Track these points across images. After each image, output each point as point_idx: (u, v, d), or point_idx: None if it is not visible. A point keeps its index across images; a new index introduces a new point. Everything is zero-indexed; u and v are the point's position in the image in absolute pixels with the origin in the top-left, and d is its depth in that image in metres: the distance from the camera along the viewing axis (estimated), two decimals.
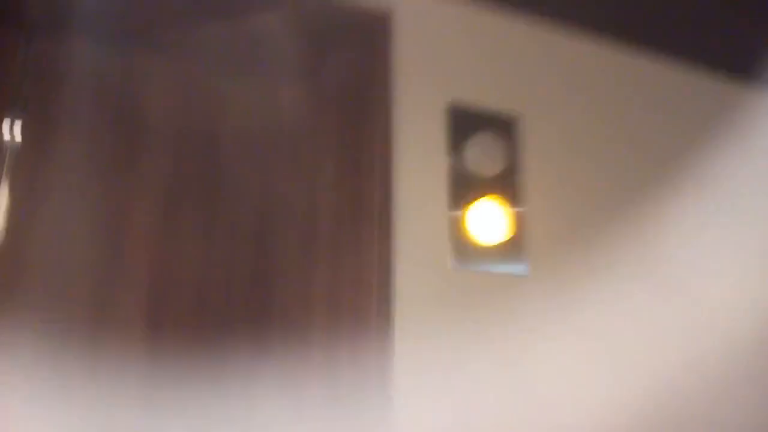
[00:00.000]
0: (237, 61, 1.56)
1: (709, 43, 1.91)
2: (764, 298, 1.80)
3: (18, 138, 1.42)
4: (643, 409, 1.50)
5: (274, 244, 1.55)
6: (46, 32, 1.47)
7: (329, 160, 1.56)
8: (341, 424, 1.28)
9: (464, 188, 1.60)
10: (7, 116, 1.42)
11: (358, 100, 1.59)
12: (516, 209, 1.62)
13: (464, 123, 1.64)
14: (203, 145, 1.52)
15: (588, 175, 1.77)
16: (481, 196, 1.59)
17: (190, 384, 1.27)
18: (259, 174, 1.52)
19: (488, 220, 1.57)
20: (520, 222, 1.62)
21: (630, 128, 1.88)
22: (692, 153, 1.93)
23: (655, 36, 1.90)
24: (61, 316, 1.36)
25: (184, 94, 1.55)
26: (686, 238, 1.85)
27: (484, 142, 1.59)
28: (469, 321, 1.51)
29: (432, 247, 1.52)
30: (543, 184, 1.70)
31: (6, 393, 1.16)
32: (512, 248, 1.58)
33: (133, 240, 1.44)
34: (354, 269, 1.46)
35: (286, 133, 1.53)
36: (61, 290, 1.37)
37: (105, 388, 1.24)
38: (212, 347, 1.36)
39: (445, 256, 1.53)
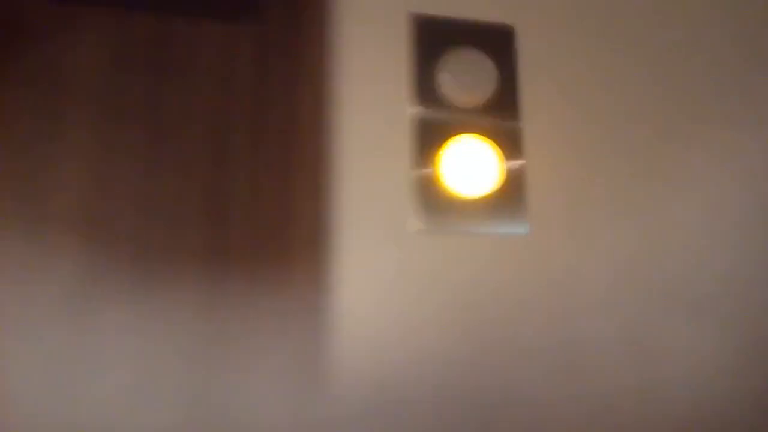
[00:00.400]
0: None
1: None
2: None
3: None
4: None
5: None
6: None
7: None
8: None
9: (435, 126, 1.25)
10: None
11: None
12: (508, 158, 1.25)
13: (435, 37, 1.29)
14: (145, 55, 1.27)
15: (597, 101, 1.34)
16: (459, 134, 1.24)
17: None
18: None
19: (470, 166, 1.21)
20: (515, 172, 1.25)
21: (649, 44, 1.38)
22: (715, 71, 1.41)
23: None
24: None
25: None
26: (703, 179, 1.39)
27: (464, 62, 1.24)
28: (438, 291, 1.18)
29: (389, 203, 1.19)
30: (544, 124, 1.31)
31: None
32: (505, 203, 1.23)
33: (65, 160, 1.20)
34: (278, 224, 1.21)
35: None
36: None
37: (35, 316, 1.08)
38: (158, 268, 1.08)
39: (406, 213, 1.19)
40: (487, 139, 1.25)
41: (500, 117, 1.29)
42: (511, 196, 1.25)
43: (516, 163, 1.26)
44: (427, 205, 1.20)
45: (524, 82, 1.33)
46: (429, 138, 1.23)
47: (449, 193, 1.22)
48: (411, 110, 1.24)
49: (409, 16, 1.29)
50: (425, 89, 1.27)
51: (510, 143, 1.27)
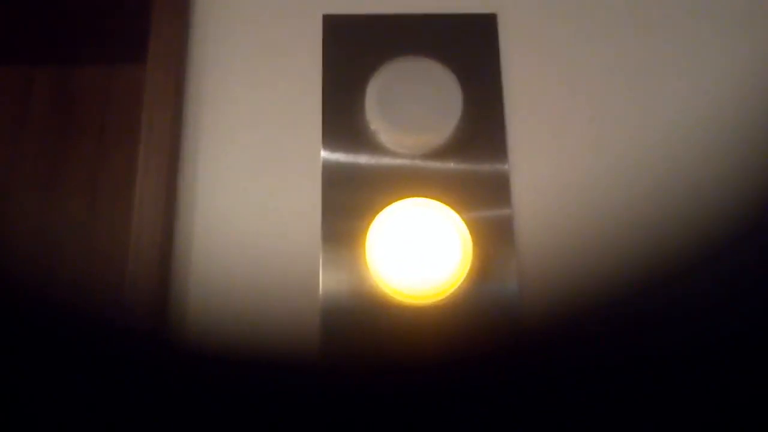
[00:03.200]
0: None
1: None
2: None
3: None
4: None
5: None
6: None
7: None
8: None
9: (359, 188, 0.73)
10: None
11: None
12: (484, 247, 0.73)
13: (362, 45, 0.78)
14: None
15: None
16: (401, 197, 0.72)
17: None
18: None
19: (416, 250, 0.69)
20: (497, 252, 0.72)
21: None
22: None
23: None
24: None
25: None
26: None
27: (408, 79, 0.74)
28: None
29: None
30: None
31: None
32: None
33: None
34: None
35: None
36: None
37: None
38: None
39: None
40: (447, 192, 0.74)
41: (471, 159, 0.77)
42: (487, 284, 0.73)
43: (501, 212, 0.74)
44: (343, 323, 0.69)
45: (512, 103, 0.80)
46: (351, 192, 0.74)
47: (382, 298, 0.71)
48: (322, 156, 0.75)
49: (322, 19, 0.81)
50: (344, 129, 0.77)
51: (489, 194, 0.76)
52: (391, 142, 0.74)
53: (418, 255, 0.69)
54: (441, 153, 0.75)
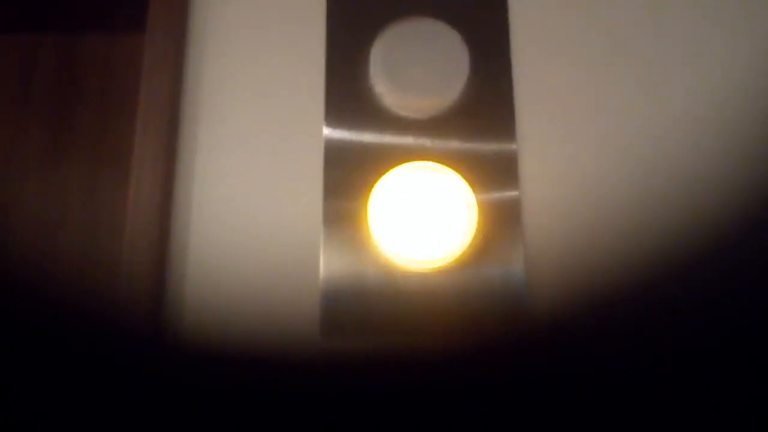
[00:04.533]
0: None
1: None
2: None
3: None
4: None
5: None
6: None
7: None
8: None
9: (363, 151, 0.70)
10: None
11: None
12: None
13: (363, 4, 0.75)
14: None
15: None
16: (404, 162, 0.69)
17: None
18: None
19: (421, 217, 0.67)
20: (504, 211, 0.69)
21: None
22: None
23: None
24: None
25: None
26: None
27: (412, 41, 0.71)
28: None
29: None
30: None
31: None
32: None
33: None
34: None
35: None
36: None
37: None
38: None
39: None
40: (453, 169, 0.71)
41: (477, 136, 0.73)
42: (491, 266, 0.70)
43: (508, 194, 0.71)
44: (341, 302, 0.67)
45: (520, 74, 0.76)
46: (353, 170, 0.71)
47: (384, 263, 0.69)
48: (324, 130, 0.72)
49: None
50: (347, 96, 0.74)
51: (496, 174, 0.73)
52: (395, 105, 0.71)
53: (422, 219, 0.67)
54: (447, 123, 0.71)
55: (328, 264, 0.68)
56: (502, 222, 0.69)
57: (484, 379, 0.66)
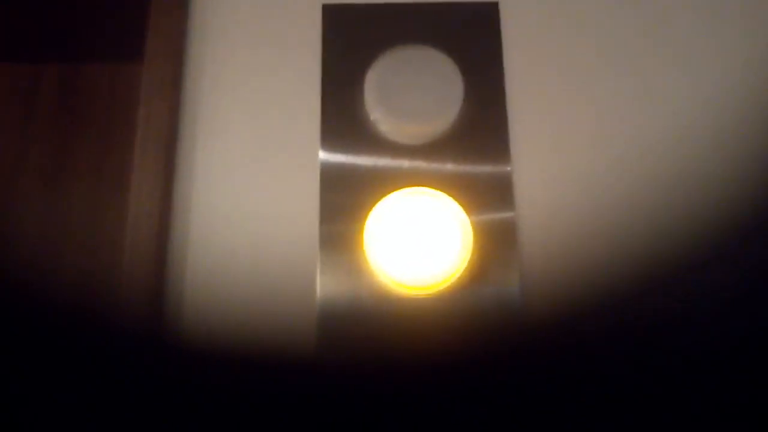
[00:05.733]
0: None
1: None
2: None
3: None
4: None
5: None
6: None
7: None
8: None
9: (359, 176, 0.70)
10: None
11: None
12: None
13: (362, 35, 0.76)
14: None
15: None
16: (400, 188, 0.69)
17: None
18: None
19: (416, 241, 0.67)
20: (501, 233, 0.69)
21: None
22: None
23: None
24: None
25: None
26: None
27: (406, 68, 0.72)
28: None
29: None
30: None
31: None
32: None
33: None
34: None
35: None
36: None
37: None
38: None
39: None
40: (449, 193, 0.71)
41: (472, 159, 0.74)
42: (487, 288, 0.70)
43: (503, 216, 0.72)
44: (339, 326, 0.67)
45: (514, 97, 0.78)
46: (349, 193, 0.72)
47: (380, 287, 0.69)
48: (320, 155, 0.73)
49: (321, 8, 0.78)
50: (343, 122, 0.75)
51: (491, 196, 0.73)
52: (391, 131, 0.72)
53: (418, 243, 0.67)
54: (442, 148, 0.72)
55: (325, 287, 0.68)
56: (497, 244, 0.69)
57: (480, 397, 0.66)
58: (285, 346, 0.68)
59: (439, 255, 0.67)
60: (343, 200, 0.70)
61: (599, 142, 0.74)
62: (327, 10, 0.77)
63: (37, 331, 0.79)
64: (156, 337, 0.67)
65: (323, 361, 0.66)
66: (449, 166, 0.71)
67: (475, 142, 0.72)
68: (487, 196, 0.70)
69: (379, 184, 0.71)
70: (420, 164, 0.71)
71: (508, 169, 0.72)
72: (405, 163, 0.72)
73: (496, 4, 0.77)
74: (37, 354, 0.76)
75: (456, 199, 0.69)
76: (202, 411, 0.65)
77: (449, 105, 0.71)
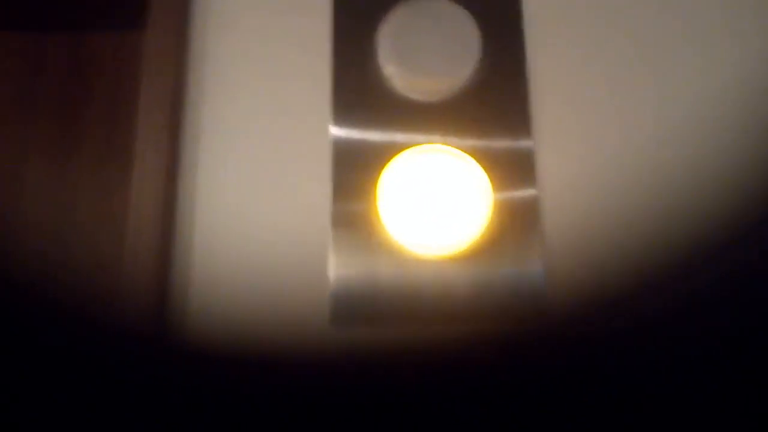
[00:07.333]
0: None
1: None
2: None
3: None
4: None
5: None
6: None
7: None
8: None
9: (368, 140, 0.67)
10: None
11: None
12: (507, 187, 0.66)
13: None
14: None
15: None
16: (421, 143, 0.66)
17: None
18: None
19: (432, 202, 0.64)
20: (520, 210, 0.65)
21: None
22: None
23: None
24: None
25: None
26: None
27: (422, 21, 0.68)
28: None
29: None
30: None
31: None
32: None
33: None
34: None
35: None
36: None
37: None
38: None
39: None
40: (466, 155, 0.67)
41: (491, 133, 0.70)
42: (507, 255, 0.67)
43: (522, 194, 0.68)
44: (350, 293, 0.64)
45: (535, 57, 0.73)
46: (359, 159, 0.68)
47: (395, 249, 0.66)
48: (329, 128, 0.69)
49: None
50: (355, 82, 0.70)
51: (511, 164, 0.69)
52: (405, 87, 0.68)
53: (434, 203, 0.64)
54: (459, 113, 0.68)
55: (338, 267, 0.65)
56: (519, 222, 0.66)
57: (497, 374, 0.63)
58: (297, 330, 0.65)
59: (456, 216, 0.64)
60: (356, 177, 0.67)
61: (625, 120, 0.70)
62: None
63: (36, 326, 0.78)
64: (162, 321, 0.65)
65: (336, 347, 0.63)
66: (467, 142, 0.67)
67: (495, 112, 0.68)
68: (508, 172, 0.67)
69: (392, 157, 0.67)
70: (436, 138, 0.68)
71: (531, 144, 0.67)
72: (420, 137, 0.68)
73: None
74: (36, 352, 0.74)
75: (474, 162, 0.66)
76: (213, 397, 0.63)
77: (465, 59, 0.68)
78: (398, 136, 0.68)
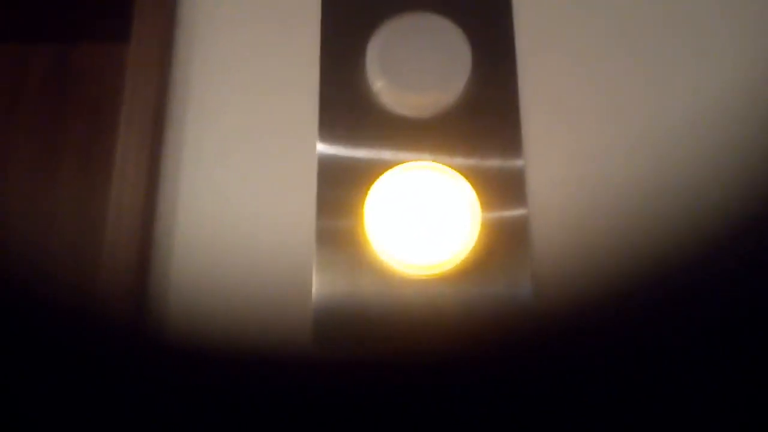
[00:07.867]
0: None
1: None
2: None
3: None
4: None
5: None
6: None
7: None
8: None
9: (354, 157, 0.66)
10: None
11: None
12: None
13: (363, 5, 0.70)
14: None
15: None
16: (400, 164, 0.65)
17: None
18: None
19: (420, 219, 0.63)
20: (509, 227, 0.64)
21: None
22: None
23: None
24: None
25: None
26: None
27: (411, 37, 0.67)
28: None
29: None
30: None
31: None
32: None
33: None
34: None
35: None
36: None
37: None
38: None
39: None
40: (455, 172, 0.65)
41: (481, 151, 0.69)
42: (494, 271, 0.65)
43: (512, 213, 0.67)
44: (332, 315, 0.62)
45: (526, 74, 0.72)
46: (345, 175, 0.67)
47: (381, 270, 0.64)
48: (316, 140, 0.68)
49: None
50: (342, 97, 0.69)
51: (502, 183, 0.68)
52: (394, 102, 0.67)
53: (421, 219, 0.63)
54: (450, 139, 0.67)
55: (321, 286, 0.63)
56: (508, 242, 0.64)
57: (483, 394, 0.62)
58: (279, 345, 0.63)
59: (446, 234, 0.63)
60: (341, 194, 0.66)
61: (618, 140, 0.69)
62: None
63: (15, 331, 0.75)
64: (138, 334, 0.62)
65: (320, 360, 0.62)
66: (457, 160, 0.66)
67: (485, 130, 0.67)
68: (498, 190, 0.66)
69: (379, 175, 0.66)
70: (425, 155, 0.66)
71: (521, 163, 0.67)
72: (408, 155, 0.67)
73: None
74: (14, 355, 0.72)
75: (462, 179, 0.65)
76: (189, 411, 0.61)
77: (456, 75, 0.67)
78: (386, 153, 0.67)
